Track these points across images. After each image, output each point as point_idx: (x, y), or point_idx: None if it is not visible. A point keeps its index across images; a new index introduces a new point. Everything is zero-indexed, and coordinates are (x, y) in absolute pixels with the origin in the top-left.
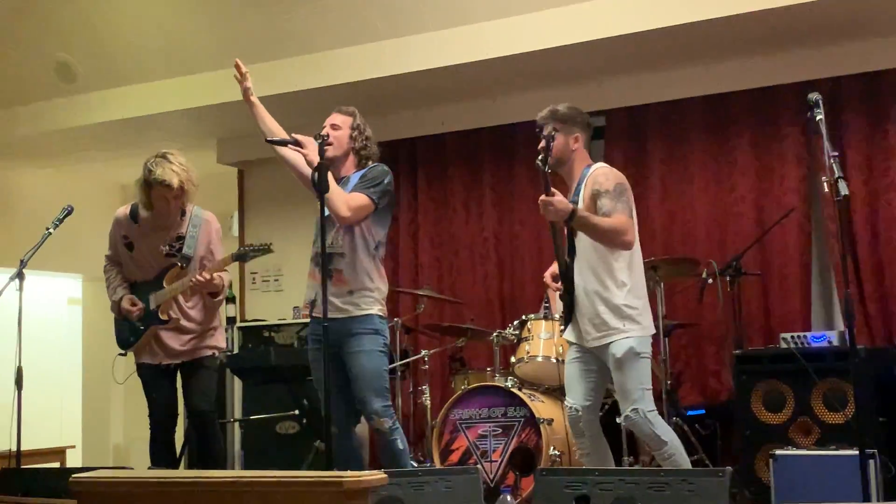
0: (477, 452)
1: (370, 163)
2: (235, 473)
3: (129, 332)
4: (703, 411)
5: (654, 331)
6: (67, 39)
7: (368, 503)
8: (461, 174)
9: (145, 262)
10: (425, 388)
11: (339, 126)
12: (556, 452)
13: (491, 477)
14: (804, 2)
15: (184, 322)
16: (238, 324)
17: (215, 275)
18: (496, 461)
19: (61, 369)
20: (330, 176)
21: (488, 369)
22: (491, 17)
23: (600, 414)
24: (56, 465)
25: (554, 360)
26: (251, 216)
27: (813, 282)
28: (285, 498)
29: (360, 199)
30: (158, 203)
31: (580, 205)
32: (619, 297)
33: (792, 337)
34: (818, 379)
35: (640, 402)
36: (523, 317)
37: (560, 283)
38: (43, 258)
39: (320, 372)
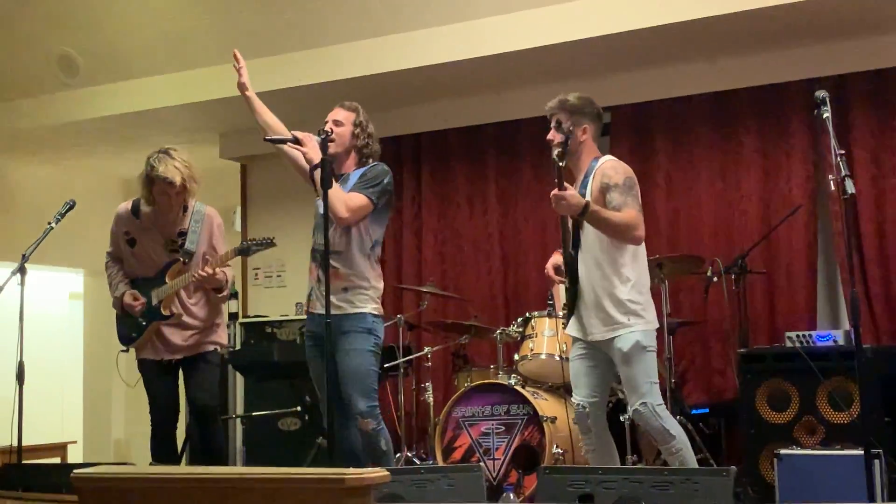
0: (480, 450)
1: (371, 161)
2: (237, 470)
3: (131, 328)
4: (707, 410)
5: (657, 325)
6: (70, 33)
7: (371, 500)
8: (465, 170)
9: (147, 258)
10: (428, 385)
11: (342, 122)
12: (560, 450)
13: (494, 475)
14: None
15: (187, 318)
16: (240, 319)
17: (218, 270)
18: (499, 459)
19: (62, 364)
20: None
21: (491, 367)
22: (495, 12)
23: None
24: (57, 460)
25: (558, 358)
26: (254, 211)
27: (819, 280)
28: (287, 495)
29: (359, 199)
30: (160, 199)
31: (588, 197)
32: (623, 292)
33: (797, 336)
34: (823, 378)
35: (648, 396)
36: (527, 314)
37: (563, 275)
38: (44, 252)
39: (315, 369)
